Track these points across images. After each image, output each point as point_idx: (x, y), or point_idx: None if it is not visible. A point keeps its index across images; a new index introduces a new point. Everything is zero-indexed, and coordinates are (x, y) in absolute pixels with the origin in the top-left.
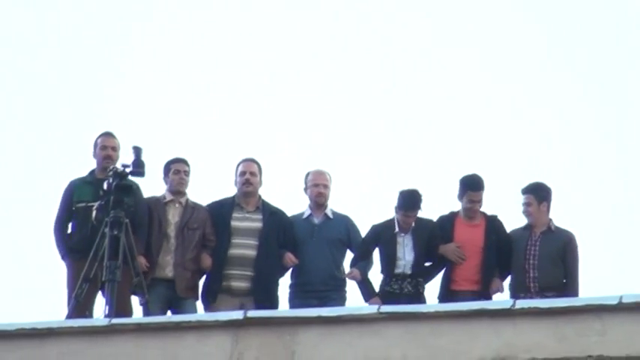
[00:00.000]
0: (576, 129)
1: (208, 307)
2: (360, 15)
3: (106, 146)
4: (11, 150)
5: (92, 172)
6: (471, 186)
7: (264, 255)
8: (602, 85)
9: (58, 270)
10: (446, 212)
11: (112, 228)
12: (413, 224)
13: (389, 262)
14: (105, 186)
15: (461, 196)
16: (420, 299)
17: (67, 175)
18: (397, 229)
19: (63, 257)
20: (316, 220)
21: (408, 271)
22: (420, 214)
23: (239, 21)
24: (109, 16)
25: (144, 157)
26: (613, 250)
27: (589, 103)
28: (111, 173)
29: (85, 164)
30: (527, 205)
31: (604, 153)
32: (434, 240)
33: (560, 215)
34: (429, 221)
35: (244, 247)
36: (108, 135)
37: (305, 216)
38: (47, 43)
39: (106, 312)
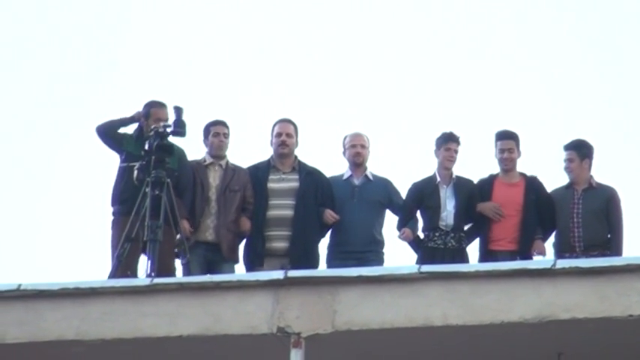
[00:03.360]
0: (614, 88)
1: (252, 271)
2: None
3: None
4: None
5: (139, 129)
6: (500, 135)
7: (302, 214)
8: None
9: (102, 229)
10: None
11: (153, 188)
12: (454, 177)
13: (432, 214)
14: (146, 146)
15: (495, 150)
16: (463, 255)
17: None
18: (439, 179)
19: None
20: (356, 182)
21: (451, 222)
22: (458, 169)
23: None
24: None
25: (185, 117)
26: None
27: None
28: (152, 133)
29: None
30: (569, 161)
31: None
32: (473, 199)
33: (601, 174)
34: (469, 180)
35: (282, 208)
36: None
37: (345, 177)
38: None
39: (149, 271)
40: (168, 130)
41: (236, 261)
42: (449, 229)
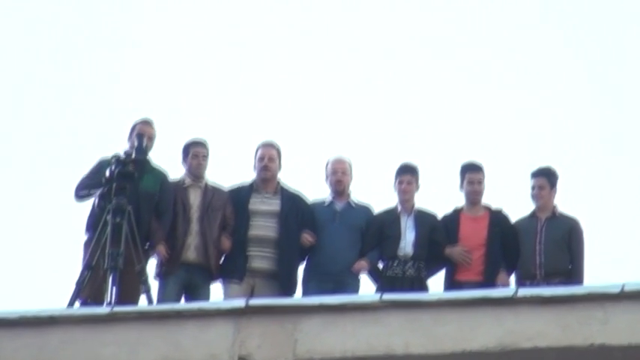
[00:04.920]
0: (573, 115)
1: (230, 287)
2: None
3: (142, 134)
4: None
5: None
6: (469, 167)
7: (285, 235)
8: (600, 73)
9: (62, 257)
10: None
11: (114, 215)
12: (415, 209)
13: (392, 243)
14: (107, 173)
15: (462, 182)
16: (422, 284)
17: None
18: (400, 209)
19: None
20: (338, 207)
21: (410, 251)
22: (419, 199)
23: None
24: None
25: (146, 144)
26: (614, 239)
27: (586, 89)
28: (113, 160)
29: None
30: (540, 188)
31: (604, 140)
32: (435, 232)
33: (562, 203)
34: (431, 214)
35: (263, 228)
36: (146, 123)
37: (327, 203)
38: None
39: (109, 300)
40: (130, 157)
41: (215, 279)
42: (407, 258)
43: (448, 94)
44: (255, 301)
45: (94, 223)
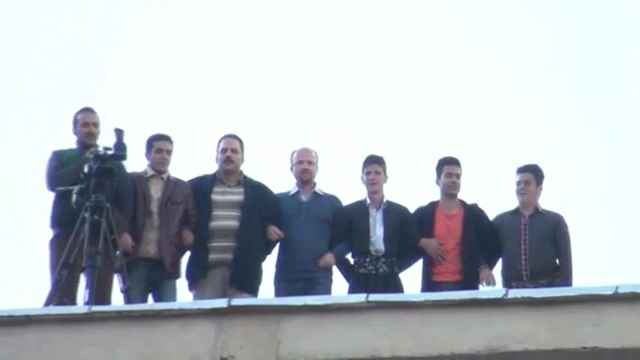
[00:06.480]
0: (560, 114)
1: (195, 284)
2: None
3: (87, 123)
4: None
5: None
6: (447, 161)
7: (247, 226)
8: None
9: (38, 253)
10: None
11: (92, 213)
12: (384, 201)
13: (362, 239)
14: (85, 169)
15: (438, 176)
16: (397, 280)
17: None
18: (369, 202)
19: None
20: (304, 198)
21: (381, 248)
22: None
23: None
24: None
25: (126, 139)
26: (605, 240)
27: (572, 89)
28: (92, 156)
29: (60, 142)
30: (525, 183)
31: (592, 139)
32: (406, 226)
33: (549, 203)
34: (401, 206)
35: (225, 219)
36: (88, 111)
37: (292, 193)
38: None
39: (86, 299)
40: (109, 153)
41: (178, 276)
42: (380, 255)
43: (419, 89)
44: (238, 301)
45: (63, 220)
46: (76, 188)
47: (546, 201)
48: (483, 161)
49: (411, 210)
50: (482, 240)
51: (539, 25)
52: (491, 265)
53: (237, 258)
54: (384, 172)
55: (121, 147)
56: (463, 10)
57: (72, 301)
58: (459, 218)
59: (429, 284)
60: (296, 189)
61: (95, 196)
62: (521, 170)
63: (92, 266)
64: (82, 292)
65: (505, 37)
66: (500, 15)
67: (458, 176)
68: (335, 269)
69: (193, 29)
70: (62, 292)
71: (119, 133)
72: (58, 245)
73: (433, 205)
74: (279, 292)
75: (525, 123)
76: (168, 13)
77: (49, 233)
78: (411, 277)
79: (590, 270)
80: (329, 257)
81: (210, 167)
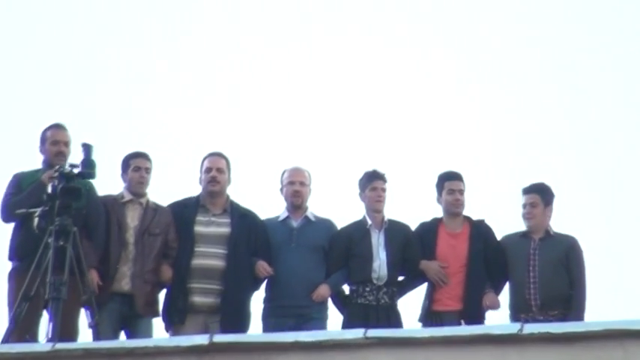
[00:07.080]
0: (567, 130)
1: (172, 329)
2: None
3: (57, 141)
4: None
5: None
6: (449, 176)
7: (234, 266)
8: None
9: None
10: (428, 219)
11: (57, 238)
12: (385, 221)
13: (363, 264)
14: (49, 189)
15: (439, 193)
16: (396, 312)
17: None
18: (370, 222)
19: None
20: (295, 224)
21: (384, 274)
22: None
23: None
24: None
25: (95, 156)
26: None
27: (579, 102)
28: (56, 175)
29: (26, 162)
30: (531, 205)
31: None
32: (409, 248)
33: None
34: (404, 225)
35: (210, 257)
36: (59, 127)
37: (281, 219)
38: None
39: (50, 335)
40: (75, 170)
41: (155, 315)
42: (382, 283)
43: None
44: (221, 337)
45: (26, 248)
46: (38, 211)
47: (559, 223)
48: (488, 176)
49: (413, 227)
50: (488, 261)
51: (542, 36)
52: (498, 290)
53: (224, 304)
54: (384, 189)
55: (89, 164)
56: (462, 20)
57: (33, 338)
58: (464, 237)
59: (429, 314)
60: (286, 214)
61: (60, 219)
62: (527, 191)
63: (56, 298)
64: (44, 328)
65: (508, 48)
66: (501, 22)
67: (461, 192)
68: (329, 302)
69: (177, 39)
70: (22, 328)
71: (87, 148)
72: (17, 277)
73: (436, 222)
74: (267, 330)
75: (535, 136)
76: (151, 23)
77: (8, 266)
78: (408, 306)
79: (608, 300)
80: (323, 289)
81: (193, 190)
